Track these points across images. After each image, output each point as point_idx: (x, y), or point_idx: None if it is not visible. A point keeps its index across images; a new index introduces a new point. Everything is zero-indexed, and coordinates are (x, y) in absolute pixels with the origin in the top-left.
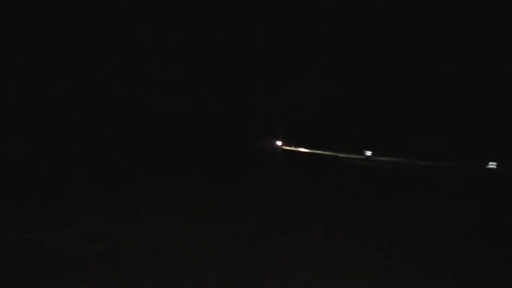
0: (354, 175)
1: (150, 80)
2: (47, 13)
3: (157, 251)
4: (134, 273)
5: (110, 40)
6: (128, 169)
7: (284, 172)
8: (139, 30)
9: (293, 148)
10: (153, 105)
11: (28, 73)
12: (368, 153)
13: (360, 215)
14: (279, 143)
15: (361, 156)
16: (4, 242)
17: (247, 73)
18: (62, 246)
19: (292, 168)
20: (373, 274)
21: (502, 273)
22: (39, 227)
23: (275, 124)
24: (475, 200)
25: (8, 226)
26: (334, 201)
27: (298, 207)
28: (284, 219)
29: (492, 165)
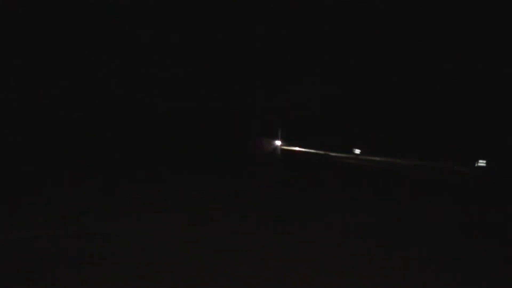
0: (349, 174)
1: (150, 80)
2: (47, 13)
3: (157, 251)
4: (134, 273)
5: (110, 40)
6: (128, 169)
7: (283, 171)
8: (139, 30)
9: (290, 148)
10: (153, 105)
11: (28, 73)
12: (357, 151)
13: (359, 215)
14: (278, 142)
15: (351, 155)
16: (4, 242)
17: (247, 73)
18: (62, 246)
19: (290, 167)
20: (373, 274)
21: (502, 273)
22: (39, 227)
23: (275, 124)
24: (473, 199)
25: (8, 226)
26: (333, 201)
27: (298, 207)
28: (284, 218)
29: (481, 163)
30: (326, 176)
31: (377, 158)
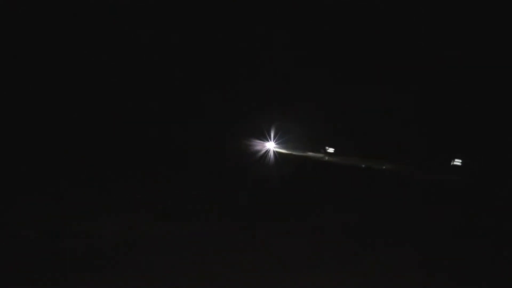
0: (340, 174)
1: (150, 80)
2: (47, 13)
3: (157, 251)
4: (134, 273)
5: (110, 40)
6: (128, 169)
7: (279, 173)
8: (139, 30)
9: (283, 150)
10: (153, 105)
11: (28, 73)
12: (331, 150)
13: (359, 215)
14: (272, 144)
15: (324, 154)
16: (4, 242)
17: (246, 73)
18: (62, 246)
19: (287, 167)
20: (373, 274)
21: (502, 273)
22: (39, 227)
23: (271, 125)
24: (469, 199)
25: (8, 226)
26: (332, 201)
27: (297, 206)
28: (283, 218)
29: (457, 162)
30: (319, 176)
31: (350, 157)
